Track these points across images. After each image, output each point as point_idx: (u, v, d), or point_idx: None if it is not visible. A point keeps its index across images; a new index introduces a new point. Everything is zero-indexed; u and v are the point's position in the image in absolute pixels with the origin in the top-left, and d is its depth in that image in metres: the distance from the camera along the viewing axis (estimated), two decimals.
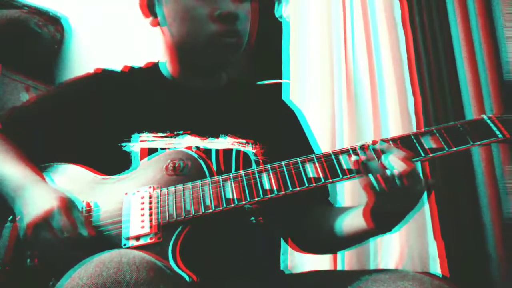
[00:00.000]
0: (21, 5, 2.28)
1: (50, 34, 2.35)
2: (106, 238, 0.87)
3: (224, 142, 1.06)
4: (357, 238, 1.00)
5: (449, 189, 1.86)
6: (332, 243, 1.09)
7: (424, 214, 1.91)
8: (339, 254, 1.93)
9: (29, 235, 0.84)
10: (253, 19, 1.12)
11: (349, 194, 1.98)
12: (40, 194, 0.89)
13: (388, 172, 0.80)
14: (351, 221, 0.98)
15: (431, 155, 0.87)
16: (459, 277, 1.74)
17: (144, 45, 1.75)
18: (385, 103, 2.06)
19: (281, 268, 1.15)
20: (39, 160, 1.03)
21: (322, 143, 2.02)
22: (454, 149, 0.88)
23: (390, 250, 1.88)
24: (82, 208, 0.92)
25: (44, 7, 2.36)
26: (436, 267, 1.82)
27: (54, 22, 2.40)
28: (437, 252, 1.83)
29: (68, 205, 0.87)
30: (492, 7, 1.85)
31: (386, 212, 0.88)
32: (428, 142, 0.89)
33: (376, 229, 0.91)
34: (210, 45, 1.05)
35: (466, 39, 1.90)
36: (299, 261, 1.90)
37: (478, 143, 0.89)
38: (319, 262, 1.88)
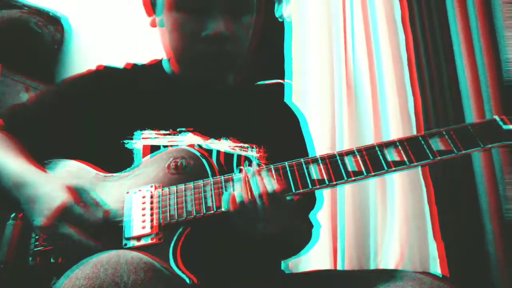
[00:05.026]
0: (21, 5, 2.28)
1: (50, 34, 2.34)
2: (106, 238, 0.86)
3: (226, 145, 1.04)
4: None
5: (449, 189, 1.86)
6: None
7: (424, 214, 1.91)
8: (339, 254, 1.93)
9: (47, 235, 0.82)
10: (255, 29, 1.07)
11: (349, 196, 1.98)
12: (44, 190, 0.86)
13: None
14: None
15: (439, 157, 0.83)
16: (459, 277, 1.74)
17: (144, 45, 1.74)
18: (385, 104, 2.06)
19: (282, 268, 1.15)
20: (41, 157, 1.02)
21: (322, 144, 2.02)
22: (464, 151, 0.83)
23: (390, 250, 1.88)
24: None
25: (44, 7, 2.35)
26: (436, 267, 1.82)
27: (54, 22, 2.39)
28: (437, 252, 1.83)
29: (78, 193, 0.86)
30: (492, 7, 1.85)
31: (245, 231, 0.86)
32: (437, 144, 0.85)
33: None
34: (199, 63, 1.04)
35: (466, 39, 1.90)
36: (300, 261, 1.90)
37: (489, 146, 0.83)
38: (319, 262, 1.88)
